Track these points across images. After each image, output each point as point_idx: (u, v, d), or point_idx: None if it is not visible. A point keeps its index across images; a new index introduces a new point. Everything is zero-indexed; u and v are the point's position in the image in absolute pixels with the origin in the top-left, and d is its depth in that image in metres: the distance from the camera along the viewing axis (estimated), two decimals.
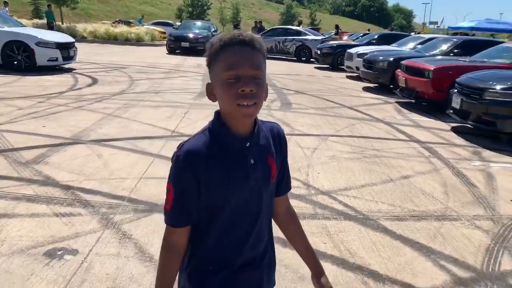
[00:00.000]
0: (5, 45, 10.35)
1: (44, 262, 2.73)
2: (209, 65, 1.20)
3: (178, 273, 1.29)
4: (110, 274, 2.65)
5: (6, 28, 10.80)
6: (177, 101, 8.22)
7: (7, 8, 20.92)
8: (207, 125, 1.24)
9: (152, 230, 3.22)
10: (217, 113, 1.23)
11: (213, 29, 22.07)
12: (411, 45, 13.52)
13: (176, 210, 1.21)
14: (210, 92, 1.23)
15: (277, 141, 1.32)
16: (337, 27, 23.26)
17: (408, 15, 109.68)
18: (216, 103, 1.21)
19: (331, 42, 17.62)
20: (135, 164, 4.61)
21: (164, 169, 4.48)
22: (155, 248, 2.97)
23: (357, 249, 3.12)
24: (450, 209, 3.92)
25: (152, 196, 3.82)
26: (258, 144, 1.25)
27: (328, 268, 2.85)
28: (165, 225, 1.25)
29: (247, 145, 1.21)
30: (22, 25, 12.55)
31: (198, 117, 6.98)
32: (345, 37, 23.72)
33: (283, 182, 1.39)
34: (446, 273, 2.88)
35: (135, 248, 2.96)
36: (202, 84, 10.60)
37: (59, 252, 2.85)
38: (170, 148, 5.19)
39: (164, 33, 27.65)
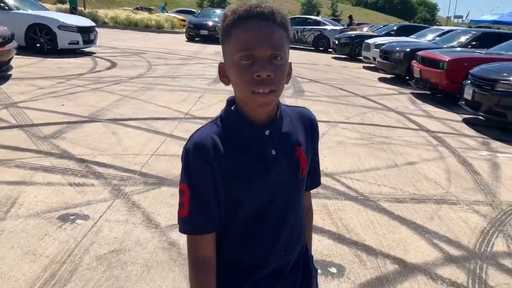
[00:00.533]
0: (28, 28, 10.64)
1: (57, 224, 2.93)
2: (221, 42, 1.03)
3: None
4: (118, 237, 2.84)
5: (30, 11, 11.10)
6: (193, 86, 8.39)
7: None
8: (219, 114, 1.09)
9: (160, 201, 3.40)
10: (230, 100, 1.09)
11: None
12: (429, 37, 13.41)
13: (195, 213, 1.03)
14: (223, 74, 1.05)
15: (308, 129, 1.14)
16: (350, 17, 23.22)
17: (432, 8, 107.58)
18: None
19: (350, 32, 17.57)
20: (148, 142, 4.79)
21: (175, 147, 4.66)
22: (161, 217, 3.14)
23: (354, 226, 3.24)
24: (451, 194, 4.00)
25: (163, 171, 3.99)
26: (281, 132, 1.07)
27: (324, 241, 2.99)
28: (186, 236, 1.06)
29: (267, 133, 1.04)
30: (46, 9, 12.85)
31: (211, 101, 7.14)
32: (365, 28, 23.56)
33: (310, 177, 1.20)
34: (438, 251, 2.99)
35: (143, 216, 3.14)
36: None
37: (72, 217, 3.05)
38: (182, 129, 5.36)
39: (184, 20, 27.83)
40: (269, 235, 1.08)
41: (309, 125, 1.15)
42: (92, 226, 2.95)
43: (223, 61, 1.06)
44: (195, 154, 1.01)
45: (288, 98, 7.90)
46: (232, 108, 1.07)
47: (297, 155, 1.08)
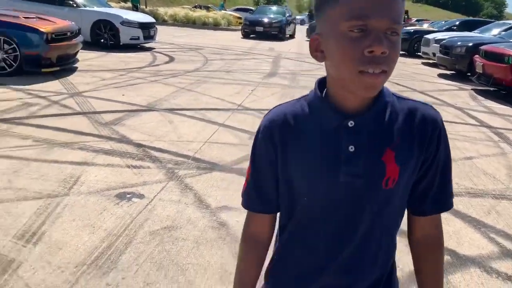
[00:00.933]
0: (94, 24, 11.20)
1: (115, 202, 3.10)
2: (318, 7, 0.85)
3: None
4: (170, 216, 2.96)
5: (95, 8, 11.69)
6: (246, 80, 8.50)
7: None
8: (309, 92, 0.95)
9: (211, 185, 3.50)
10: (319, 81, 0.93)
11: (288, 14, 22.16)
12: (495, 31, 12.72)
13: (251, 190, 0.99)
14: (316, 48, 0.86)
15: (417, 131, 0.88)
16: (406, 13, 22.61)
17: (499, 4, 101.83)
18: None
19: (408, 28, 17.04)
20: (201, 131, 4.93)
21: (227, 136, 4.76)
22: (212, 199, 3.24)
23: (404, 218, 3.17)
24: (511, 190, 3.81)
25: (214, 158, 4.10)
26: (370, 126, 0.86)
27: None
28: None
29: (350, 124, 0.85)
30: (110, 6, 13.48)
31: (265, 94, 7.20)
32: (425, 25, 22.77)
33: (429, 197, 0.93)
34: (494, 245, 2.87)
35: (194, 198, 3.25)
36: (272, 66, 10.80)
37: (128, 195, 3.21)
38: (235, 120, 5.46)
39: (240, 18, 28.15)
40: (326, 247, 0.91)
41: (421, 126, 0.88)
42: (147, 204, 3.09)
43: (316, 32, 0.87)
44: (263, 130, 0.94)
45: None
46: (319, 90, 0.91)
47: (383, 160, 0.85)
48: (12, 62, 6.84)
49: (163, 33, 15.87)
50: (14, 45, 6.77)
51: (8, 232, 2.60)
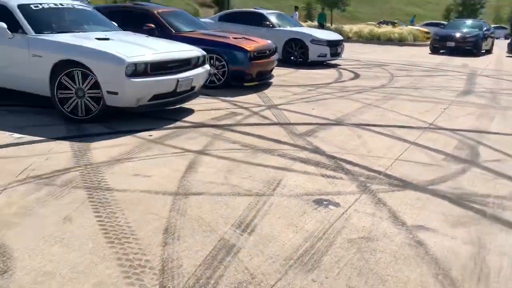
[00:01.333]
0: (286, 43, 12.07)
1: (313, 206, 3.34)
2: None
3: None
4: (366, 227, 3.05)
5: (288, 28, 12.58)
6: (437, 97, 8.10)
7: (297, 13, 24.30)
8: None
9: (405, 202, 3.47)
10: None
11: (485, 28, 20.25)
12: None
13: None
14: None
15: None
16: None
17: None
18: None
19: None
20: (391, 147, 4.91)
21: (419, 155, 4.64)
22: (407, 217, 3.22)
23: None
24: None
25: (407, 176, 4.04)
26: None
27: None
28: None
29: None
30: (301, 25, 14.31)
31: (459, 113, 6.77)
32: None
33: None
34: None
35: (389, 213, 3.28)
36: (466, 84, 10.05)
37: (325, 202, 3.41)
38: (426, 138, 5.28)
39: (428, 33, 26.81)
40: None
41: None
42: (342, 213, 3.24)
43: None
44: None
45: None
46: None
47: None
48: (220, 77, 7.86)
49: (347, 49, 16.10)
50: (224, 62, 7.77)
51: (228, 221, 3.03)
